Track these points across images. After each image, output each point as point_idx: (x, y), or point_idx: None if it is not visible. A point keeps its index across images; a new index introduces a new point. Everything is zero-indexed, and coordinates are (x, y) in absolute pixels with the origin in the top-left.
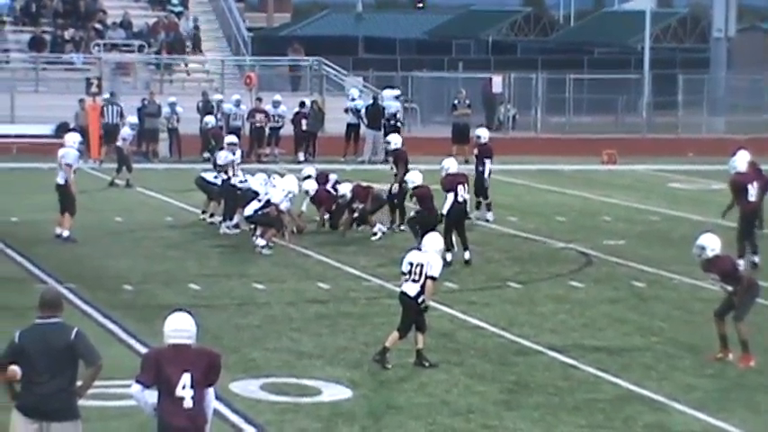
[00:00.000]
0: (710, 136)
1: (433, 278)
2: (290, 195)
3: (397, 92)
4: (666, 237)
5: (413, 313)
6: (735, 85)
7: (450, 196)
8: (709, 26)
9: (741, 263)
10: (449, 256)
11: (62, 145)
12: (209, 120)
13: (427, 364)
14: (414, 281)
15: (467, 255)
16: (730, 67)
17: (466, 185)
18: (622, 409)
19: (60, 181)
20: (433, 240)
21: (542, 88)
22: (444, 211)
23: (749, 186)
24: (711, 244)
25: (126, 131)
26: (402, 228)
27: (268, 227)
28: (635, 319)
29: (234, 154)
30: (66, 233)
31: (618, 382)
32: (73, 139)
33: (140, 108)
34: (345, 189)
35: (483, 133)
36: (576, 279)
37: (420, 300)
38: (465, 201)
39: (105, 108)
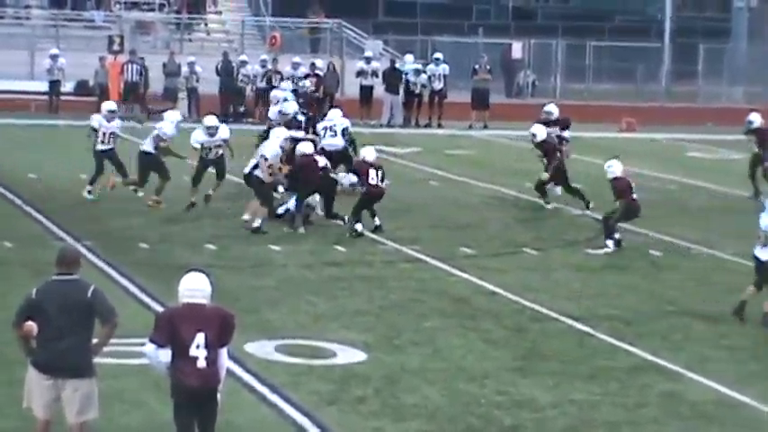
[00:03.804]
0: (730, 105)
1: None
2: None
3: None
4: (684, 206)
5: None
6: (755, 56)
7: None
8: None
9: None
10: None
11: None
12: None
13: None
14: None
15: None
16: (751, 37)
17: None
18: (637, 378)
19: (148, 149)
20: None
21: (562, 55)
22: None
23: None
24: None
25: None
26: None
27: (259, 196)
28: (650, 288)
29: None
30: (153, 199)
31: (633, 350)
32: (173, 117)
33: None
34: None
35: (553, 109)
36: (591, 247)
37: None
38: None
39: (126, 66)
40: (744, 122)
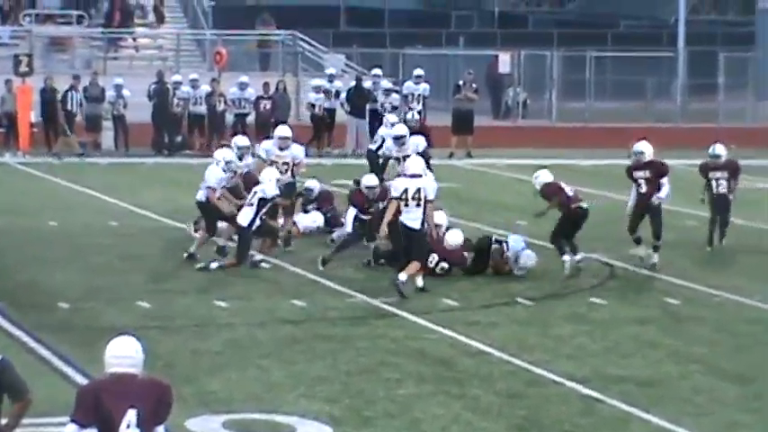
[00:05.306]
0: (757, 125)
1: None
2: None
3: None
4: (705, 245)
5: None
6: None
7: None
8: None
9: None
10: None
11: None
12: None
13: None
14: None
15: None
16: None
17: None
18: None
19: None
20: None
21: (558, 68)
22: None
23: None
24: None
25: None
26: None
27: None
28: (669, 344)
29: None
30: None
31: (649, 418)
32: (222, 155)
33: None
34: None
35: (646, 149)
36: (597, 295)
37: None
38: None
39: (68, 93)
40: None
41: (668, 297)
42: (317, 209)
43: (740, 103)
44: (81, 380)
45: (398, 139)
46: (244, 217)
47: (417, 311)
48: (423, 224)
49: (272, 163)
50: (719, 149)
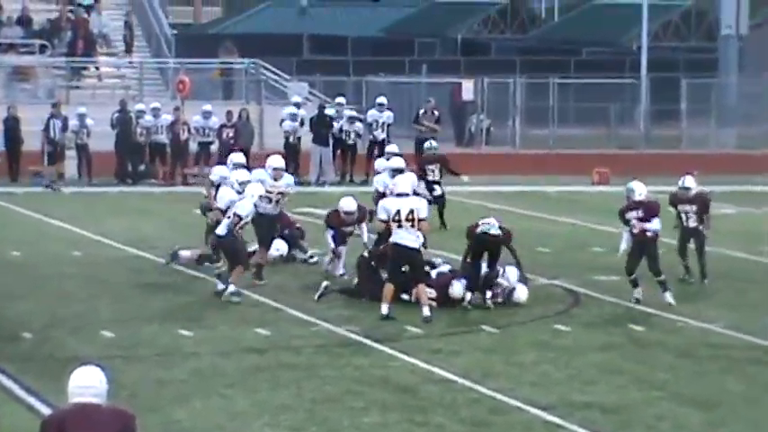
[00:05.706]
0: (720, 151)
1: None
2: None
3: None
4: (670, 271)
5: None
6: (748, 91)
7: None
8: (717, 22)
9: None
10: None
11: None
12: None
13: None
14: None
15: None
16: (742, 69)
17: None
18: None
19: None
20: None
21: (521, 95)
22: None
23: None
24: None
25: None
26: None
27: (234, 262)
28: (632, 370)
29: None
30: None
31: None
32: (236, 177)
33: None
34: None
35: (639, 188)
36: (561, 322)
37: None
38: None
39: (51, 121)
40: (737, 170)
41: (632, 323)
42: (280, 236)
43: (703, 129)
44: (45, 410)
45: (396, 173)
46: (221, 228)
47: (381, 339)
48: (421, 243)
49: (267, 192)
50: (689, 182)
